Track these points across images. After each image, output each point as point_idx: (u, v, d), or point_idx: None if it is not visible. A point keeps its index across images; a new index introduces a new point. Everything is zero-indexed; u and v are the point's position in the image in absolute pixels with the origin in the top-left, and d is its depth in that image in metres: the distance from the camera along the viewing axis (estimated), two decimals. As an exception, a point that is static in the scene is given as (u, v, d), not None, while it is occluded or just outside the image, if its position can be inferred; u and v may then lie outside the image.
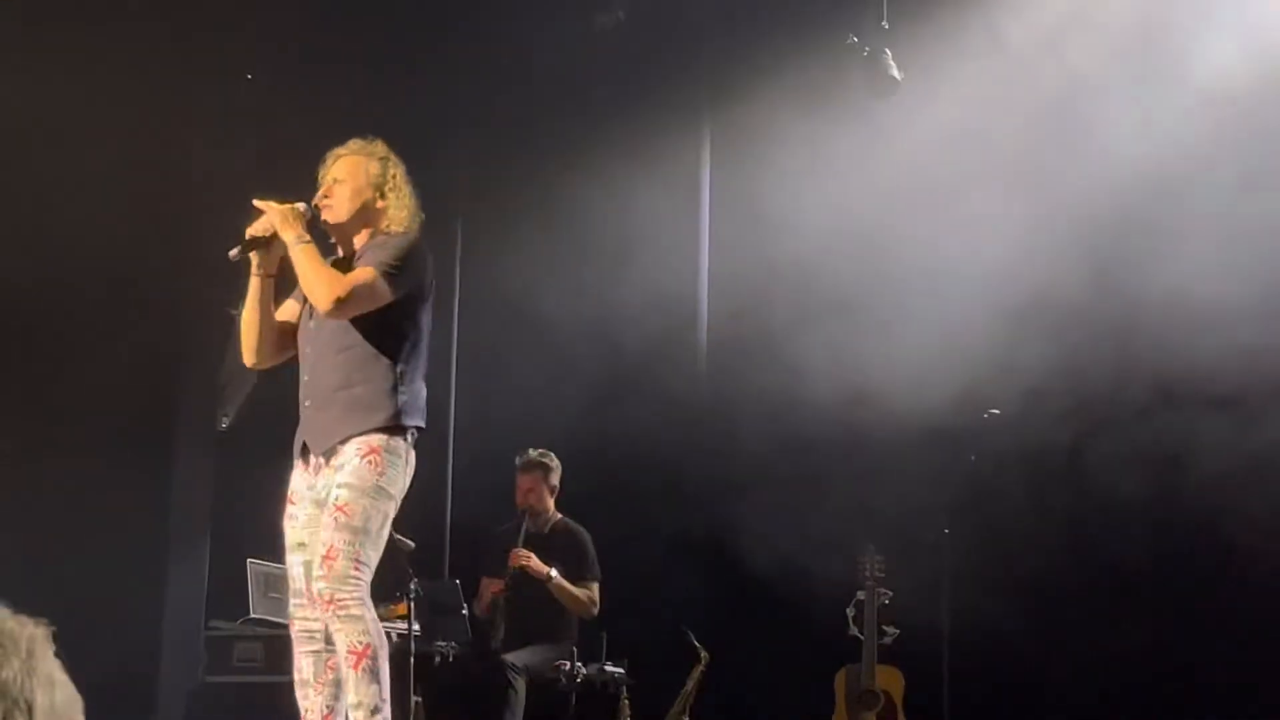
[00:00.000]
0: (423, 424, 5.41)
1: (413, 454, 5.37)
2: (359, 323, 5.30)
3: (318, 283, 5.24)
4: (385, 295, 5.28)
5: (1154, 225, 8.22)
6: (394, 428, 5.27)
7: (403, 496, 5.37)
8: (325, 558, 5.15)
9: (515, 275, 9.68)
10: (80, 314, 7.88)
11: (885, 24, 8.64)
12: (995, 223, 8.71)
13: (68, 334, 7.92)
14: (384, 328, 5.33)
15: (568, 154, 9.51)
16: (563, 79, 9.26)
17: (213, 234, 8.22)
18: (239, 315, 5.56)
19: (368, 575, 5.21)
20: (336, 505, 5.17)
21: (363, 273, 5.28)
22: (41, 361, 7.84)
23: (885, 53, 8.65)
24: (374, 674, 5.13)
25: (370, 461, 5.20)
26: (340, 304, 5.22)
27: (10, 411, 7.74)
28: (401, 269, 5.32)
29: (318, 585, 5.17)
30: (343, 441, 5.27)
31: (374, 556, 5.24)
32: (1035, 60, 8.73)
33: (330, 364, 5.34)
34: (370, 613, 5.19)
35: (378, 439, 5.23)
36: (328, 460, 5.30)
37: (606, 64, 9.25)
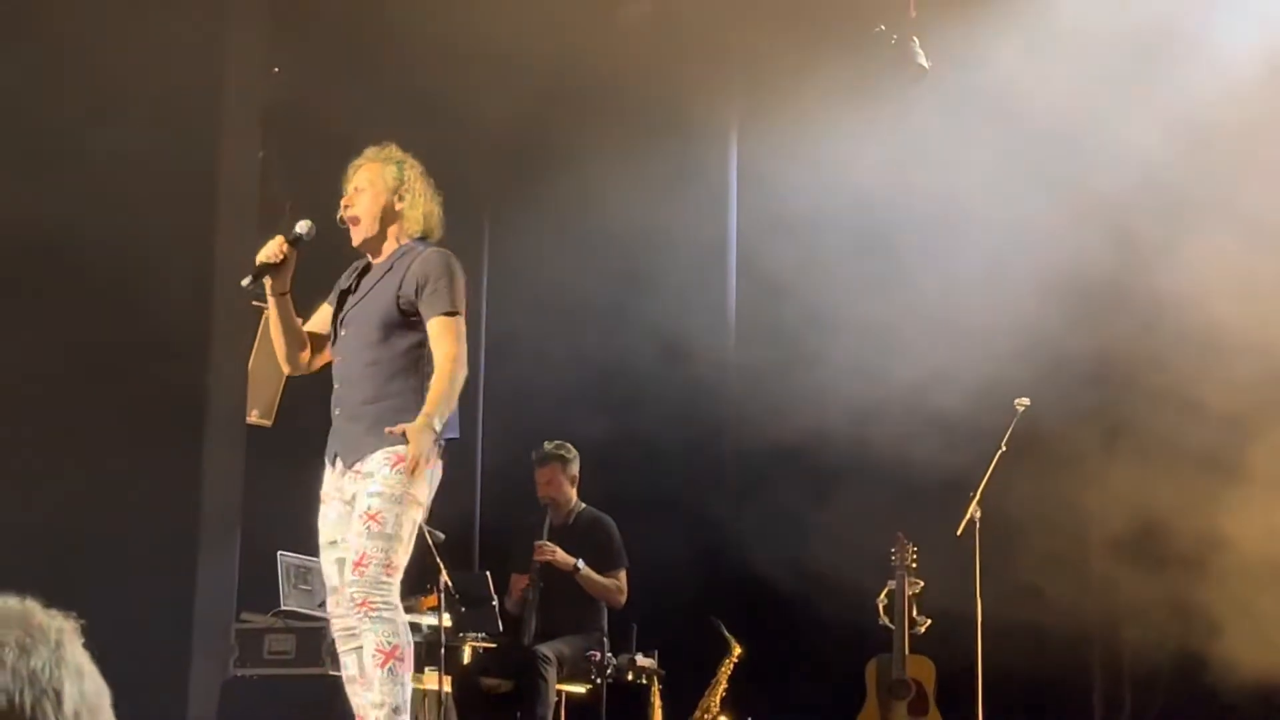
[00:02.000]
0: (454, 435, 5.51)
1: (440, 464, 5.47)
2: (389, 338, 5.45)
3: (453, 391, 5.37)
4: (462, 325, 5.44)
5: (1179, 214, 8.20)
6: None
7: (429, 503, 5.49)
8: (357, 564, 5.28)
9: (543, 271, 9.68)
10: (110, 307, 7.89)
11: (913, 12, 8.63)
12: (1024, 212, 8.68)
13: (97, 327, 7.93)
14: (413, 344, 5.47)
15: (594, 148, 9.50)
16: (589, 72, 9.24)
17: (241, 228, 8.28)
18: (251, 289, 5.63)
19: (398, 578, 5.34)
20: (368, 514, 5.29)
21: (446, 336, 5.39)
22: (71, 355, 7.85)
23: (913, 40, 8.64)
24: (398, 676, 5.27)
25: (399, 470, 5.30)
26: (461, 364, 5.39)
27: (40, 405, 7.76)
28: (458, 296, 5.47)
29: (350, 590, 5.30)
30: (368, 451, 5.38)
31: (403, 560, 5.37)
32: (1062, 47, 8.70)
33: (360, 376, 5.47)
34: (401, 616, 5.33)
35: (404, 448, 5.30)
36: (353, 467, 5.43)
37: (633, 56, 9.23)
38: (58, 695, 1.76)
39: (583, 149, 9.54)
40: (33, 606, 1.82)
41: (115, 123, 7.79)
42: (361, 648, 5.36)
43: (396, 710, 5.25)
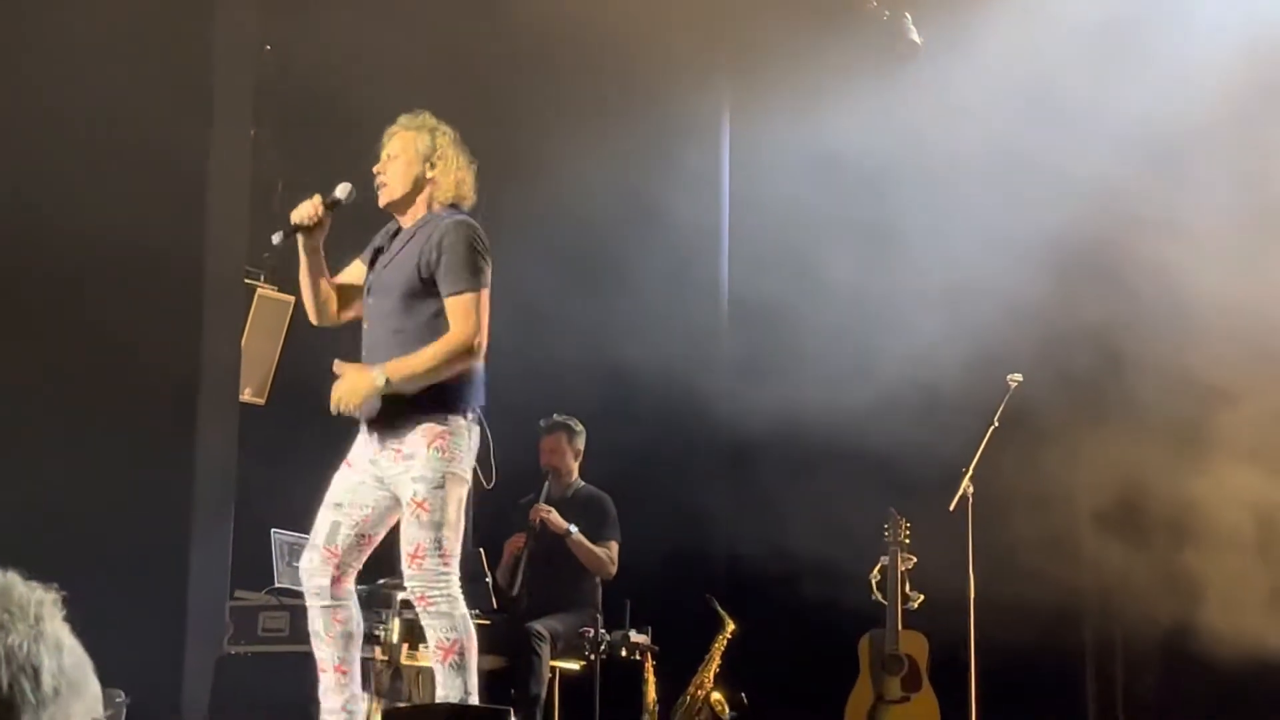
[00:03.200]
0: (482, 402, 5.59)
1: (476, 430, 5.55)
2: (412, 307, 5.50)
3: (434, 370, 5.40)
4: (484, 299, 5.51)
5: (1168, 191, 8.21)
6: (452, 409, 5.45)
7: (470, 472, 5.56)
8: (413, 556, 5.36)
9: (535, 248, 9.66)
10: (103, 285, 7.89)
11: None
12: (1016, 187, 8.68)
13: (91, 305, 7.93)
14: (436, 311, 5.52)
15: (585, 125, 9.48)
16: (580, 49, 9.23)
17: (234, 206, 8.28)
18: (281, 246, 5.69)
19: (455, 565, 5.43)
20: (415, 502, 5.36)
21: (458, 315, 5.43)
22: (65, 333, 7.86)
23: (905, 16, 8.64)
24: (461, 668, 5.42)
25: (438, 448, 5.38)
26: (477, 345, 5.44)
27: (34, 383, 7.76)
28: (477, 271, 5.52)
29: (410, 584, 5.40)
30: (407, 417, 5.41)
31: (457, 543, 5.45)
32: (1054, 21, 8.68)
33: (386, 343, 5.53)
34: (459, 608, 5.43)
35: (440, 424, 5.40)
36: (388, 438, 5.45)
37: (623, 32, 9.21)
38: (35, 672, 1.77)
39: (574, 126, 9.52)
40: (13, 580, 1.82)
41: (107, 100, 7.79)
42: (326, 607, 5.50)
43: (461, 703, 5.39)
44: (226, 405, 8.41)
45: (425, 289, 5.49)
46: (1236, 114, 8.22)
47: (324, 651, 5.52)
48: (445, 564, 5.37)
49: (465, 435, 5.45)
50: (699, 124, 10.02)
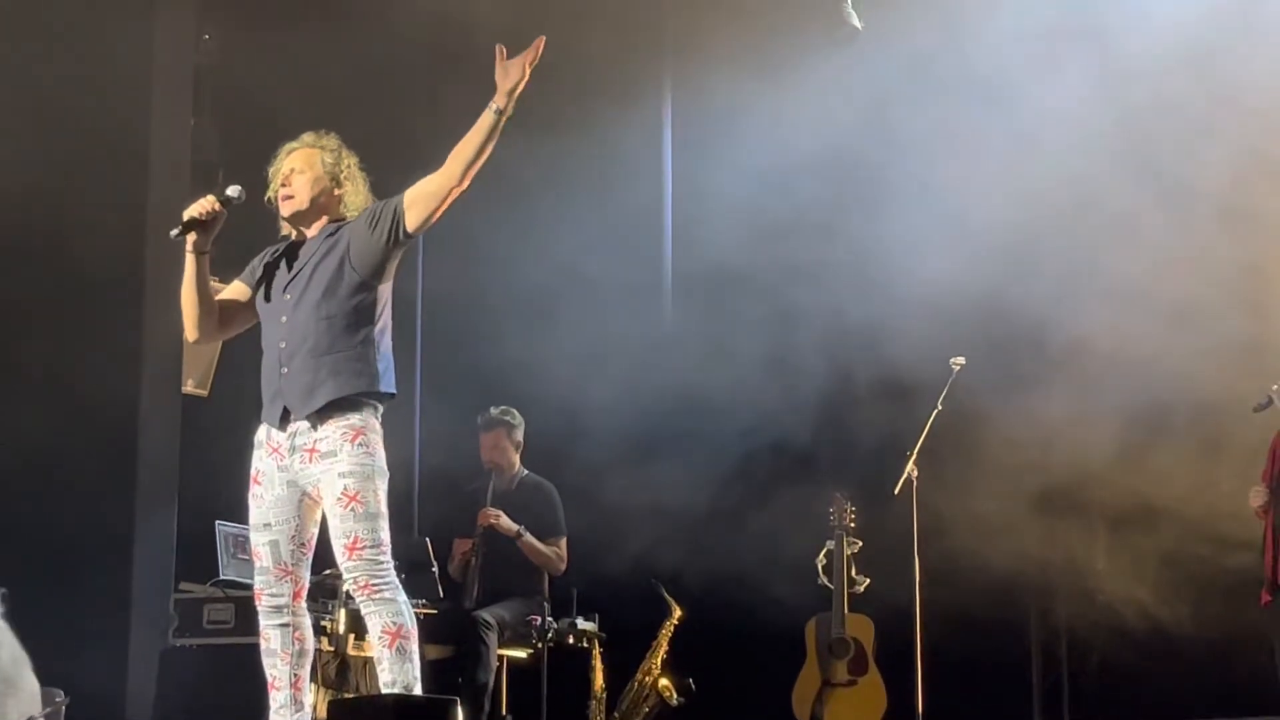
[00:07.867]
0: (395, 391, 5.62)
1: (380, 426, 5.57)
2: (340, 297, 5.51)
3: (477, 160, 5.72)
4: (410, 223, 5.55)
5: (1104, 177, 8.28)
6: (373, 396, 5.50)
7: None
8: (351, 548, 5.37)
9: (480, 232, 9.64)
10: (44, 275, 7.85)
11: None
12: (958, 171, 8.71)
13: (32, 298, 7.90)
14: (363, 301, 5.55)
15: (529, 108, 9.44)
16: (522, 36, 9.19)
17: (174, 197, 8.23)
18: (178, 240, 5.62)
19: (389, 555, 5.44)
20: (348, 495, 5.36)
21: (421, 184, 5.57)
22: (6, 325, 7.81)
23: (845, 1, 8.65)
24: (407, 654, 5.43)
25: (361, 444, 5.41)
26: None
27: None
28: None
29: (351, 575, 5.40)
30: (323, 414, 5.42)
31: (388, 535, 5.45)
32: (997, 5, 8.71)
33: (311, 330, 5.51)
34: (401, 595, 5.46)
35: (358, 419, 5.44)
36: (312, 426, 5.44)
37: (564, 14, 9.19)
38: (-28, 669, 1.76)
39: (516, 111, 9.47)
40: (-53, 583, 1.82)
41: (47, 91, 7.74)
42: (286, 625, 5.55)
43: (408, 688, 5.40)
44: (169, 398, 8.39)
45: (355, 278, 5.51)
46: (1171, 103, 8.26)
47: (280, 670, 5.57)
48: (382, 553, 5.40)
49: (379, 431, 5.51)
50: (641, 112, 9.99)
